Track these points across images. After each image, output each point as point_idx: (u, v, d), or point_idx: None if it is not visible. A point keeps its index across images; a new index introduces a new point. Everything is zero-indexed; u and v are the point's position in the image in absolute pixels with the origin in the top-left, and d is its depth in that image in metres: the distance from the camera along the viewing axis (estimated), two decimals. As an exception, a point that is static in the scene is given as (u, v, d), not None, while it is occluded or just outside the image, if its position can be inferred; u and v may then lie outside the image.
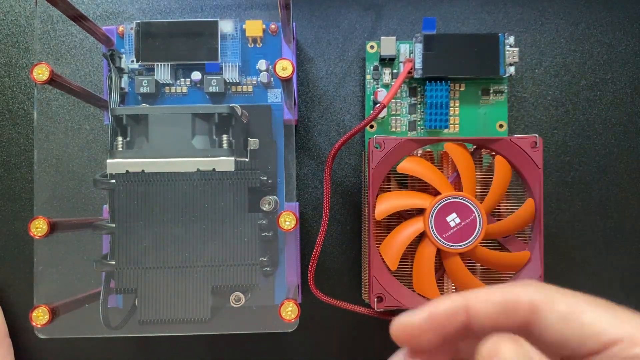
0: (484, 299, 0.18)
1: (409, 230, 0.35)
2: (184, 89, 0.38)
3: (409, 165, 0.35)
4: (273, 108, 0.37)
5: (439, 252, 0.36)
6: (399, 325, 0.19)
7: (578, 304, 0.17)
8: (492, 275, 0.37)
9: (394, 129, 0.40)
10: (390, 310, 0.35)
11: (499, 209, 0.38)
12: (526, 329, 0.18)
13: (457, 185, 0.37)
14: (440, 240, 0.35)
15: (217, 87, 0.37)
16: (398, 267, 0.35)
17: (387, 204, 0.35)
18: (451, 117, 0.40)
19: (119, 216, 0.31)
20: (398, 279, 0.36)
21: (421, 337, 0.19)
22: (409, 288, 0.36)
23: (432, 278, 0.35)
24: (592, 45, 0.42)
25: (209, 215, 0.31)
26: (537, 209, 0.36)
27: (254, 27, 0.37)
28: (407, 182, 0.38)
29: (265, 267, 0.34)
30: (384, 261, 0.35)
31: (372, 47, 0.40)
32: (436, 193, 0.35)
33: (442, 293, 0.37)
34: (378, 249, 0.36)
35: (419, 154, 0.38)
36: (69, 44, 0.41)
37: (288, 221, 0.31)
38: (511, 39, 0.38)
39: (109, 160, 0.32)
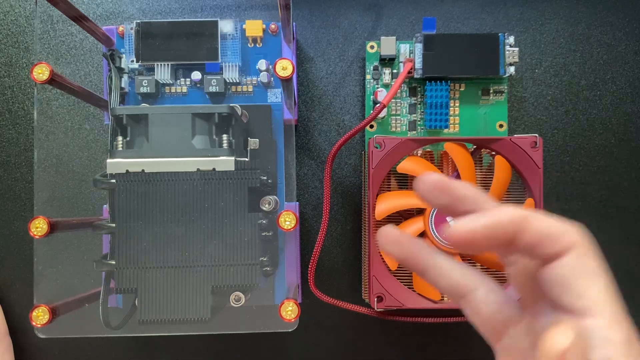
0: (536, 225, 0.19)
1: (409, 230, 0.35)
2: (184, 89, 0.38)
3: (409, 165, 0.35)
4: (273, 108, 0.37)
5: (439, 252, 0.35)
6: (462, 230, 0.19)
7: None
8: (492, 275, 0.37)
9: (394, 129, 0.40)
10: (390, 310, 0.35)
11: (499, 209, 0.38)
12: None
13: (457, 185, 0.37)
14: (441, 240, 0.35)
15: (217, 87, 0.37)
16: (398, 267, 0.35)
17: (387, 204, 0.35)
18: (451, 117, 0.40)
19: (119, 216, 0.31)
20: (398, 279, 0.36)
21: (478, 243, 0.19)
22: (409, 288, 0.36)
23: (432, 278, 0.35)
24: (592, 45, 0.42)
25: (209, 215, 0.31)
26: (537, 209, 0.36)
27: (254, 27, 0.37)
28: (407, 182, 0.38)
29: (265, 267, 0.34)
30: (384, 261, 0.35)
31: (372, 47, 0.40)
32: (436, 193, 0.35)
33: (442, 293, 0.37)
34: (378, 249, 0.36)
35: (419, 154, 0.38)
36: (69, 44, 0.41)
37: (288, 221, 0.31)
38: (511, 39, 0.38)
39: (109, 160, 0.32)
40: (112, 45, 0.38)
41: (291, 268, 0.36)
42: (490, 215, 0.19)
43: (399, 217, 0.37)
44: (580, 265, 0.19)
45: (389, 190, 0.38)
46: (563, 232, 0.19)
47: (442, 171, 0.37)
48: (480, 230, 0.19)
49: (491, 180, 0.35)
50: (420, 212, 0.36)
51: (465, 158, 0.35)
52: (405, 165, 0.35)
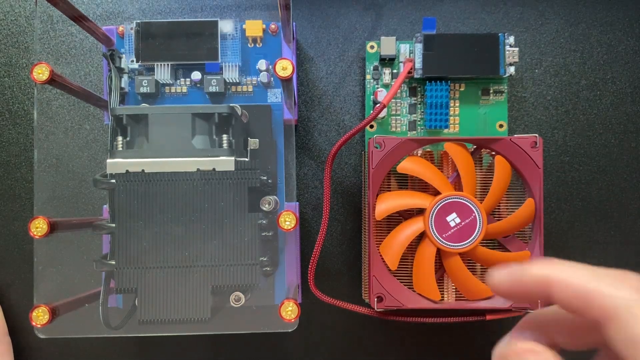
0: (565, 285, 0.18)
1: (409, 230, 0.35)
2: (184, 89, 0.38)
3: (409, 165, 0.35)
4: (273, 108, 0.37)
5: (439, 252, 0.35)
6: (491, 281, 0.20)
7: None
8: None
9: (394, 129, 0.40)
10: (390, 310, 0.35)
11: (499, 209, 0.38)
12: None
13: (457, 185, 0.37)
14: (440, 240, 0.35)
15: (217, 87, 0.37)
16: (398, 267, 0.35)
17: (387, 203, 0.35)
18: (451, 117, 0.40)
19: (119, 216, 0.31)
20: (398, 279, 0.36)
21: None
22: (409, 288, 0.36)
23: (432, 278, 0.35)
24: (592, 45, 0.42)
25: (209, 215, 0.31)
26: (537, 208, 0.36)
27: (254, 27, 0.37)
28: (407, 182, 0.38)
29: (265, 267, 0.34)
30: (384, 261, 0.35)
31: (372, 47, 0.40)
32: (436, 193, 0.35)
33: (442, 293, 0.37)
34: (378, 249, 0.36)
35: (419, 154, 0.38)
36: (69, 44, 0.41)
37: (288, 221, 0.31)
38: (511, 39, 0.38)
39: (109, 160, 0.32)
40: (112, 45, 0.38)
41: (291, 268, 0.36)
42: (514, 272, 0.19)
43: (399, 217, 0.37)
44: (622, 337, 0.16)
45: (389, 190, 0.38)
46: (592, 298, 0.16)
47: (442, 171, 0.37)
48: (506, 285, 0.19)
49: (491, 181, 0.35)
50: (420, 212, 0.36)
51: (465, 158, 0.35)
52: (406, 165, 0.35)
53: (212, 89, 0.37)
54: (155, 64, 0.37)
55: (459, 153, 0.35)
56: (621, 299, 0.16)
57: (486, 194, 0.36)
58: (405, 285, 0.36)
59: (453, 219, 0.35)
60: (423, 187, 0.37)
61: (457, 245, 0.35)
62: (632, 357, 0.15)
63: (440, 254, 0.36)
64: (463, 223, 0.35)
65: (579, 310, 0.17)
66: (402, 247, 0.35)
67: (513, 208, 0.37)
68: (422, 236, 0.36)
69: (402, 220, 0.37)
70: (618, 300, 0.16)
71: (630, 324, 0.15)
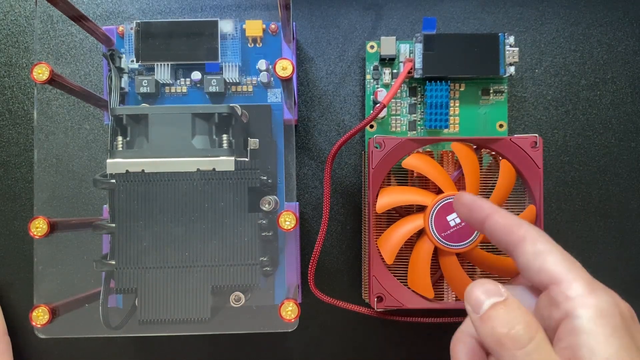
0: (497, 220, 0.26)
1: (408, 226, 0.35)
2: (184, 89, 0.38)
3: (415, 162, 0.35)
4: (273, 108, 0.37)
5: (437, 251, 0.35)
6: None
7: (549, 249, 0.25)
8: (493, 278, 0.37)
9: (394, 129, 0.40)
10: (390, 310, 0.35)
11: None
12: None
13: (458, 185, 0.37)
14: (439, 239, 0.35)
15: (217, 87, 0.37)
16: (398, 267, 0.35)
17: (390, 197, 0.35)
18: (451, 117, 0.40)
19: (119, 216, 0.31)
20: (398, 279, 0.36)
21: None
22: (409, 288, 0.36)
23: (426, 275, 0.35)
24: (592, 45, 0.42)
25: (209, 215, 0.31)
26: (537, 209, 0.36)
27: (254, 27, 0.37)
28: (407, 182, 0.38)
29: (265, 267, 0.34)
30: (384, 261, 0.35)
31: (372, 47, 0.40)
32: (438, 192, 0.35)
33: (442, 294, 0.37)
34: (378, 249, 0.36)
35: (419, 154, 0.38)
36: (69, 44, 0.41)
37: (288, 221, 0.31)
38: (511, 39, 0.38)
39: (109, 160, 0.32)
40: (112, 45, 0.38)
41: (291, 268, 0.36)
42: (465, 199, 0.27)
43: (397, 215, 0.37)
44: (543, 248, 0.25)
45: (389, 190, 0.37)
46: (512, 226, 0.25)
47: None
48: (460, 204, 0.27)
49: (490, 180, 0.35)
50: (420, 209, 0.36)
51: (471, 160, 0.35)
52: (411, 162, 0.35)
53: (212, 89, 0.37)
54: (155, 64, 0.37)
55: (465, 154, 0.35)
56: (525, 231, 0.25)
57: (486, 194, 0.36)
58: (405, 285, 0.36)
59: (453, 218, 0.35)
60: (423, 187, 0.37)
61: (455, 245, 0.35)
62: (530, 263, 0.25)
63: (437, 253, 0.36)
64: (463, 224, 0.35)
65: (502, 237, 0.26)
66: (400, 242, 0.35)
67: (512, 208, 0.37)
68: (420, 234, 0.36)
69: (399, 217, 0.37)
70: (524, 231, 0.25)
71: (532, 246, 0.25)
